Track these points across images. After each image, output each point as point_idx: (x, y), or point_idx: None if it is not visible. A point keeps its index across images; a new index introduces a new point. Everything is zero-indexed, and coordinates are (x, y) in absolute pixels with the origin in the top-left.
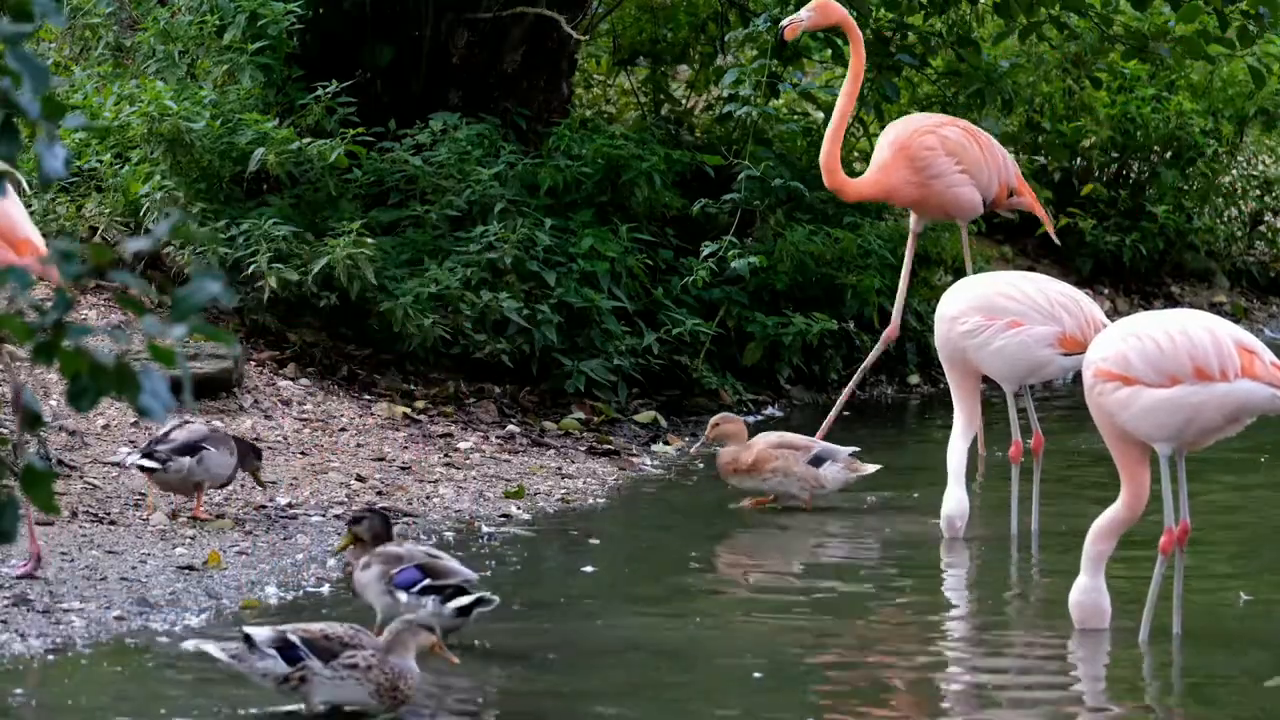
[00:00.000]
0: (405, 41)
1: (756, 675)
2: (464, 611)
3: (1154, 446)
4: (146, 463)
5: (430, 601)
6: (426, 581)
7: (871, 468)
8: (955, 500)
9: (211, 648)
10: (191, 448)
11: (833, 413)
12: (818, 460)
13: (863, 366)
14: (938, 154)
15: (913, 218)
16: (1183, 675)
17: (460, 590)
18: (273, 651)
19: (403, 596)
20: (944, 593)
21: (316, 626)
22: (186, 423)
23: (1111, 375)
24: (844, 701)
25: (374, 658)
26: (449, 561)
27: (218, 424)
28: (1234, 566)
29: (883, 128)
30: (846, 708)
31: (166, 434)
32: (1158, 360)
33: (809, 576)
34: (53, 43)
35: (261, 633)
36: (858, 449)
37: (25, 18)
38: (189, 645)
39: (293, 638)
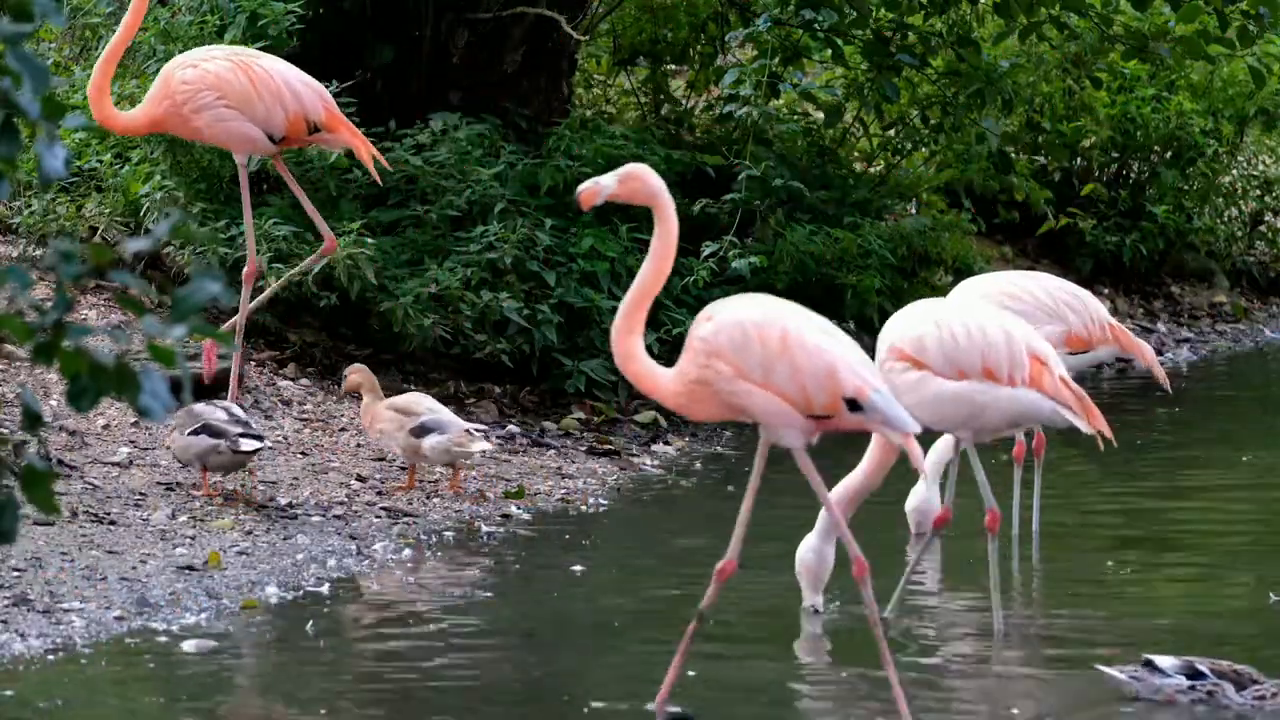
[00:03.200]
0: (405, 41)
1: (745, 678)
2: None
3: (953, 434)
4: (266, 443)
5: None
6: None
7: (482, 445)
8: (920, 497)
9: (1113, 671)
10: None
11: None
12: (423, 430)
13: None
14: (197, 88)
15: (235, 155)
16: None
17: None
18: (1178, 676)
19: None
20: (944, 593)
21: (1223, 662)
22: (220, 406)
23: (904, 356)
24: (842, 701)
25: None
26: None
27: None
28: (1257, 567)
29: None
30: (844, 707)
31: (235, 417)
32: (952, 351)
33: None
34: (53, 43)
35: (1166, 660)
36: (484, 428)
37: (25, 18)
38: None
39: (1200, 666)
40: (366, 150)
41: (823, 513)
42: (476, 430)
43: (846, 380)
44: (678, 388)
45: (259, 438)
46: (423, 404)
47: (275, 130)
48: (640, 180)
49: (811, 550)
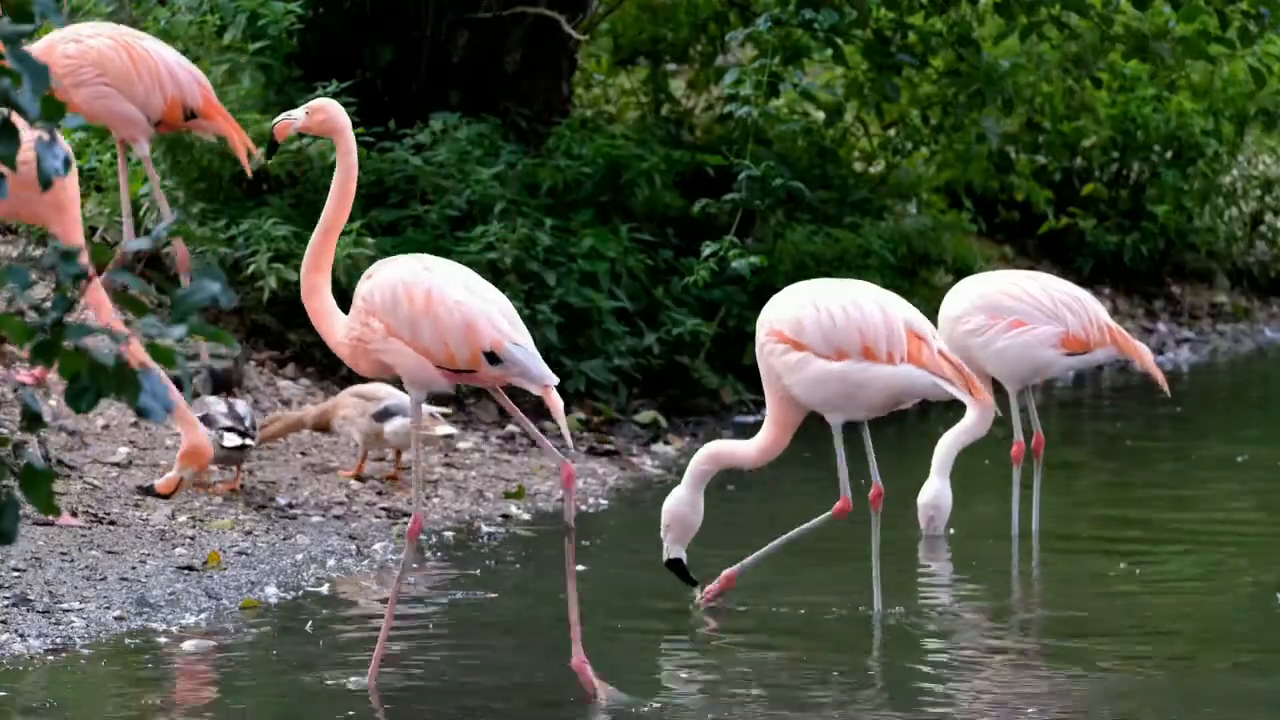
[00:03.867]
0: (405, 41)
1: (748, 676)
2: None
3: (825, 415)
4: (250, 442)
5: None
6: None
7: (446, 429)
8: (933, 491)
9: None
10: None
11: None
12: (385, 414)
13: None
14: (78, 64)
15: (134, 141)
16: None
17: None
18: None
19: None
20: (945, 593)
21: None
22: (228, 401)
23: (784, 338)
24: (841, 701)
25: None
26: None
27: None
28: (1259, 566)
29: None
30: (844, 707)
31: (234, 413)
32: (830, 332)
33: (807, 576)
34: None
35: None
36: (448, 410)
37: (25, 18)
38: None
39: None
40: (240, 141)
41: (692, 464)
42: (440, 414)
43: (485, 334)
44: (345, 340)
45: (244, 434)
46: (385, 389)
47: (153, 112)
48: (326, 113)
49: (682, 501)
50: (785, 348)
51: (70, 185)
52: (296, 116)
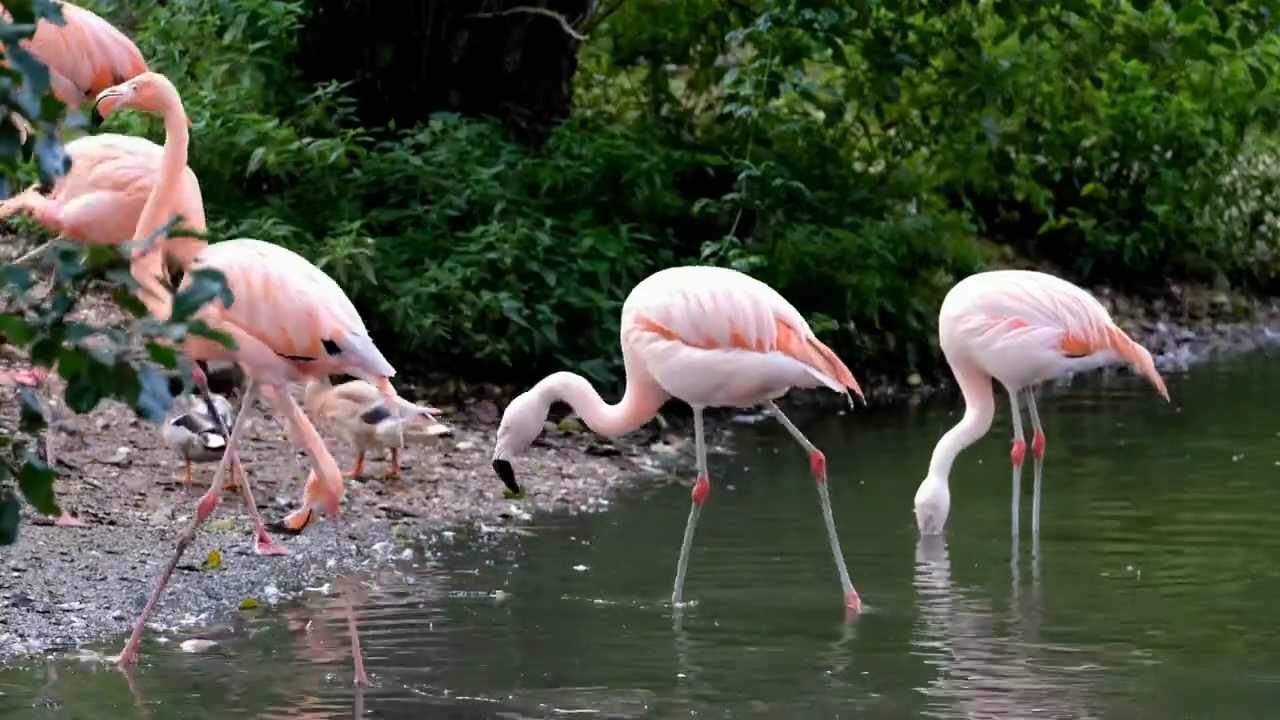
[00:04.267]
0: (405, 41)
1: (748, 676)
2: None
3: (689, 402)
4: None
5: None
6: None
7: (439, 428)
8: (931, 490)
9: None
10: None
11: None
12: (376, 415)
13: None
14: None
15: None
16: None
17: None
18: None
19: None
20: (945, 593)
21: None
22: (206, 401)
23: (651, 326)
24: (840, 702)
25: None
26: None
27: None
28: (1258, 566)
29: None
30: (842, 707)
31: (214, 413)
32: (699, 320)
33: (806, 575)
34: None
35: None
36: (447, 409)
37: (25, 18)
38: None
39: None
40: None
41: (551, 381)
42: (432, 414)
43: (325, 323)
44: None
45: (225, 434)
46: (358, 388)
47: (81, 80)
48: (154, 88)
49: (529, 408)
50: (653, 335)
51: (194, 211)
52: (122, 92)
